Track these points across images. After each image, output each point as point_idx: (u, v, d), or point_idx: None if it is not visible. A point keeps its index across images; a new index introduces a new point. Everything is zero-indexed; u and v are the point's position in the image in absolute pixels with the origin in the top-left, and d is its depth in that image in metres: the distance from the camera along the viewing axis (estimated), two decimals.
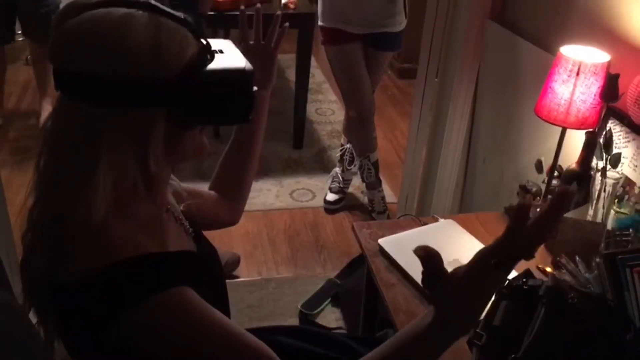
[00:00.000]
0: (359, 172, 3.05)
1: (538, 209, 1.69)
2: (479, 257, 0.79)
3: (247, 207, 1.34)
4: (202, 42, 0.90)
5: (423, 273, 0.82)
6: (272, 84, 1.26)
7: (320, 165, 3.50)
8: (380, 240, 1.56)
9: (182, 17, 0.88)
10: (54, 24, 0.87)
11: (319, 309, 2.39)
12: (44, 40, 3.24)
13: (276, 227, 2.94)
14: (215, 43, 0.94)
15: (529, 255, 0.78)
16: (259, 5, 1.22)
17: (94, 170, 0.84)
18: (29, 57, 3.48)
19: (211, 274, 1.10)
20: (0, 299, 0.97)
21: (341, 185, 3.14)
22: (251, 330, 0.97)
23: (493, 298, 1.23)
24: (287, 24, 1.25)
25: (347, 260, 2.60)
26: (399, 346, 0.87)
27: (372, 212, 3.05)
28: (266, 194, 3.18)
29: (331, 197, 3.12)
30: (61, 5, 3.70)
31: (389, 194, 3.14)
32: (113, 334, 0.83)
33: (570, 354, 1.09)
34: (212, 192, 1.29)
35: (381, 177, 3.05)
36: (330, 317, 2.38)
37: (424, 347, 0.85)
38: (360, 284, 1.86)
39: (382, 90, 3.44)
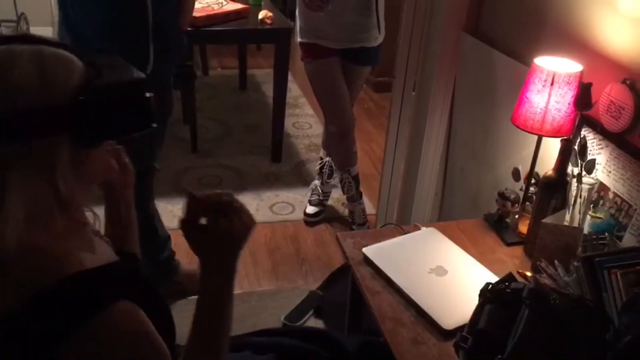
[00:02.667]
0: (339, 185, 3.07)
1: (517, 216, 1.72)
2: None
3: None
4: (86, 61, 0.91)
5: (185, 219, 0.94)
6: None
7: (299, 178, 3.52)
8: (364, 249, 1.57)
9: (60, 42, 0.90)
10: None
11: (301, 321, 2.40)
12: None
13: (257, 240, 2.94)
14: (103, 59, 0.96)
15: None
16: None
17: (2, 206, 0.84)
18: None
19: (139, 280, 1.08)
20: None
21: (321, 198, 3.16)
22: (237, 337, 0.98)
23: (477, 302, 1.27)
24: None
25: (328, 272, 2.62)
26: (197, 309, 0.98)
27: (352, 223, 3.07)
28: None
29: (311, 209, 3.14)
30: None
31: (367, 205, 3.16)
32: (61, 353, 0.83)
33: (554, 354, 1.12)
34: None
35: (361, 190, 3.08)
36: None
37: (211, 295, 0.98)
38: (342, 294, 1.87)
39: (357, 103, 3.48)
